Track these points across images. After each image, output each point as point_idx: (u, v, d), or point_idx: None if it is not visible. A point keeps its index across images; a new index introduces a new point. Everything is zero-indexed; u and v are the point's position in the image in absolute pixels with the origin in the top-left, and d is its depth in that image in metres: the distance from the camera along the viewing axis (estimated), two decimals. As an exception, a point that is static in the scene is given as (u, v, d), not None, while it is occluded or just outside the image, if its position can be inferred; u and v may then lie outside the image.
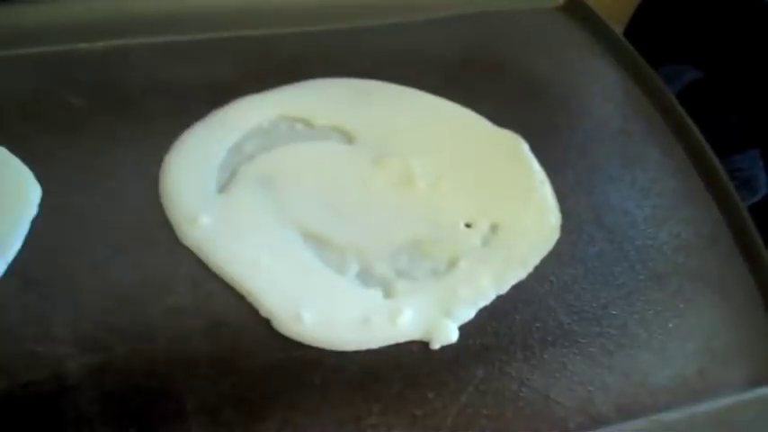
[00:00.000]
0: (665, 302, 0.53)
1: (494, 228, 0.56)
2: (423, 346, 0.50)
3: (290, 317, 0.50)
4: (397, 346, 0.49)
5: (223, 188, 0.58)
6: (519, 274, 0.54)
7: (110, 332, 0.49)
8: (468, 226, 0.56)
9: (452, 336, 0.50)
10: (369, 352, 0.49)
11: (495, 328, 0.51)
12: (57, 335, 0.48)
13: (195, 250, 0.54)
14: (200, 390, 0.46)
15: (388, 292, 0.52)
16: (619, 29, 0.77)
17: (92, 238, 0.54)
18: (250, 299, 0.51)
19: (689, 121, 0.65)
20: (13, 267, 0.51)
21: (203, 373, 0.47)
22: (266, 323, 0.50)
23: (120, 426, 0.45)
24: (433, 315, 0.51)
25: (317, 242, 0.54)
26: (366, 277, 0.53)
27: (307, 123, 0.63)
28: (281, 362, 0.48)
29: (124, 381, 0.47)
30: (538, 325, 0.51)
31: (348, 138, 0.63)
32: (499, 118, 0.64)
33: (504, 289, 0.53)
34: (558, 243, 0.56)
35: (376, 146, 0.62)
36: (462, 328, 0.50)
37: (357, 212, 0.57)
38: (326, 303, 0.51)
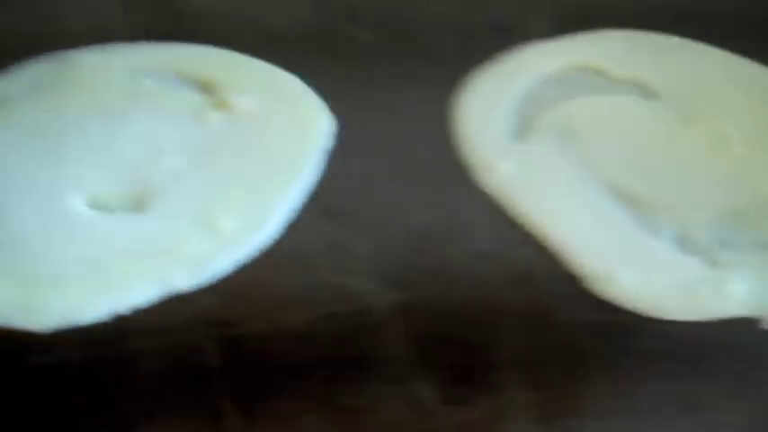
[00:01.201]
0: None
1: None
2: (757, 323, 0.43)
3: (604, 277, 0.45)
4: (725, 320, 0.43)
5: (520, 135, 0.53)
6: None
7: (413, 271, 0.45)
8: (795, 199, 0.49)
9: (789, 316, 0.43)
10: (693, 324, 0.43)
11: (838, 314, 0.44)
12: (358, 268, 0.45)
13: (495, 196, 0.50)
14: (512, 343, 0.43)
15: (711, 262, 0.46)
16: None
17: (386, 174, 0.51)
18: (557, 253, 0.47)
19: None
20: (311, 196, 0.49)
21: (513, 325, 0.43)
22: (575, 280, 0.45)
23: (430, 369, 0.41)
24: (766, 291, 0.44)
25: (628, 201, 0.49)
26: (685, 243, 0.47)
27: (603, 75, 0.58)
28: (597, 324, 0.44)
29: (430, 324, 0.43)
30: None
31: (648, 93, 0.57)
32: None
33: (843, 270, 0.46)
34: None
35: (681, 104, 0.56)
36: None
37: (669, 173, 0.51)
38: (643, 266, 0.46)
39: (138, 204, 0.47)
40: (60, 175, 0.48)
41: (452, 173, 0.51)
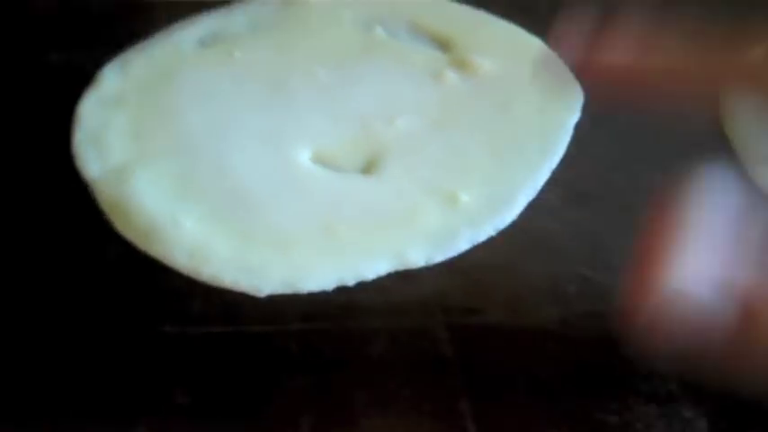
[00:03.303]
0: None
1: None
2: None
3: None
4: None
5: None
6: None
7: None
8: None
9: None
10: None
11: None
12: (613, 263, 0.38)
13: None
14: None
15: None
16: None
17: (641, 158, 0.45)
18: None
19: None
20: (557, 175, 0.42)
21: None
22: None
23: (702, 394, 0.33)
24: None
25: None
26: None
27: None
28: None
29: None
30: None
31: None
32: None
33: None
34: None
35: None
36: None
37: None
38: None
39: (368, 165, 0.41)
40: (286, 122, 0.43)
41: (722, 164, 0.43)
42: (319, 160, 0.42)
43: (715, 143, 0.44)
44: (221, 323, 0.37)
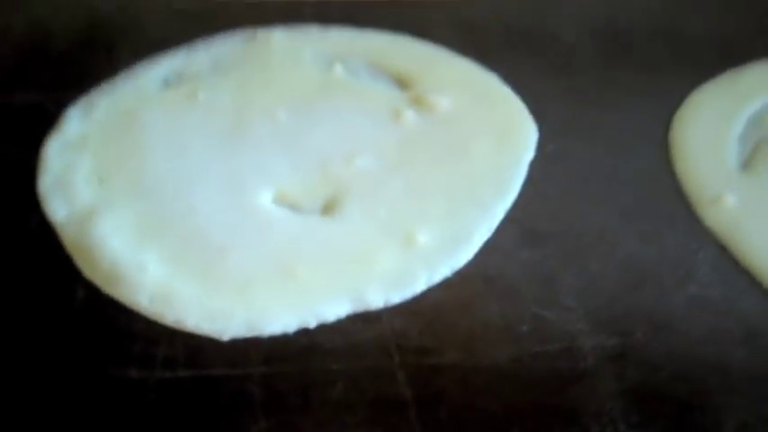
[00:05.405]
0: None
1: None
2: None
3: None
4: None
5: (746, 165, 0.47)
6: None
7: (627, 313, 0.41)
8: None
9: None
10: None
11: None
12: (565, 303, 0.40)
13: (719, 234, 0.44)
14: (739, 408, 0.36)
15: None
16: None
17: (594, 197, 0.46)
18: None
19: None
20: (511, 214, 0.43)
21: (741, 388, 0.37)
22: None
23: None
24: None
25: None
26: None
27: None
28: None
29: (648, 377, 0.37)
30: None
31: None
32: None
33: None
34: None
35: None
36: None
37: None
38: None
39: (328, 206, 0.43)
40: (248, 164, 0.45)
41: (670, 201, 0.46)
42: (281, 201, 0.43)
43: (666, 183, 0.46)
44: (184, 367, 0.38)
